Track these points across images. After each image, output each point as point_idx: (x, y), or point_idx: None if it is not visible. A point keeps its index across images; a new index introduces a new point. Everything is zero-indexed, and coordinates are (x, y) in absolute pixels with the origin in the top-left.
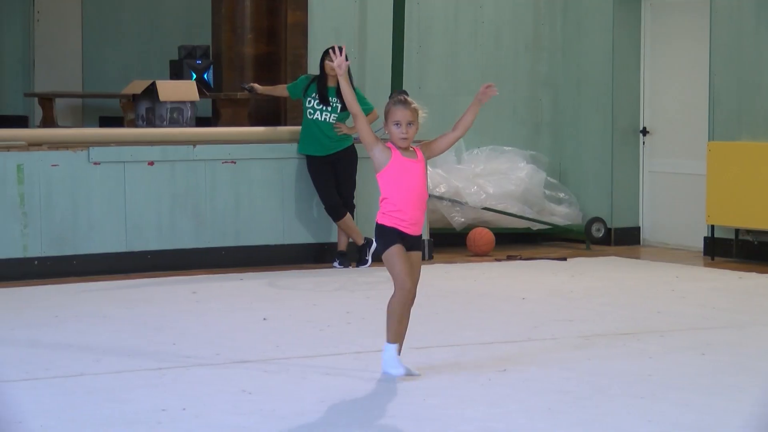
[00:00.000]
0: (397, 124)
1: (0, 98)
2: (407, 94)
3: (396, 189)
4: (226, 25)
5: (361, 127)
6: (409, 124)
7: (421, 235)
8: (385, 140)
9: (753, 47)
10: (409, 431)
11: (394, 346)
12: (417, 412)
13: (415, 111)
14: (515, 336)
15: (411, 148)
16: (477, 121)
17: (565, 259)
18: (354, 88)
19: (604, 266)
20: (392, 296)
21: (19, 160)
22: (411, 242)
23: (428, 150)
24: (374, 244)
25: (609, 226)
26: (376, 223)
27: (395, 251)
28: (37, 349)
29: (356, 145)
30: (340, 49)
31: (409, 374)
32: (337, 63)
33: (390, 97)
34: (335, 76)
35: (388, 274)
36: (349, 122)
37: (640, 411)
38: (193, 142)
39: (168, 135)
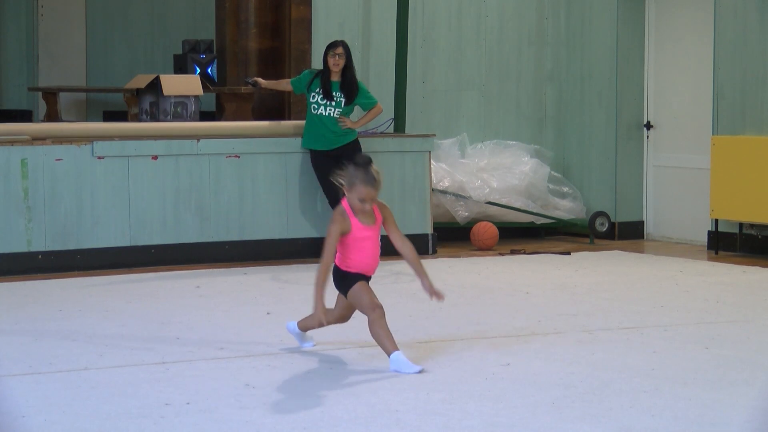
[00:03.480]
0: (362, 201)
1: (4, 93)
2: (372, 163)
3: (355, 254)
4: (230, 20)
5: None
6: (373, 200)
7: None
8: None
9: (757, 41)
10: (413, 426)
11: (398, 352)
12: (421, 407)
13: (380, 186)
14: (519, 330)
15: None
16: (481, 116)
17: (568, 253)
18: (358, 83)
19: (608, 260)
20: (371, 323)
21: (23, 154)
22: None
23: (385, 221)
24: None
25: (613, 220)
26: (338, 269)
27: (360, 287)
28: (40, 344)
29: (360, 140)
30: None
31: (423, 370)
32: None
33: (358, 167)
34: (338, 71)
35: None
36: (353, 116)
37: (643, 405)
38: (197, 137)
39: (172, 129)
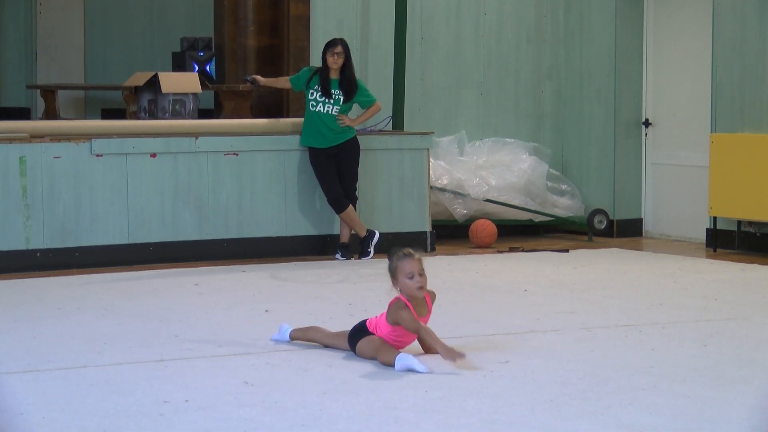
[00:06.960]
0: (411, 276)
1: (2, 90)
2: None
3: (404, 338)
4: (228, 17)
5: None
6: (420, 274)
7: None
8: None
9: (756, 39)
10: (411, 423)
11: (402, 353)
12: (419, 404)
13: (420, 260)
14: (517, 328)
15: (423, 299)
16: (480, 113)
17: (567, 251)
18: (357, 81)
19: (607, 258)
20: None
21: (21, 152)
22: None
23: (432, 299)
24: (377, 236)
25: (611, 217)
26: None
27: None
28: (39, 341)
29: (359, 138)
30: None
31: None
32: None
33: (391, 255)
34: (337, 69)
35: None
36: (351, 114)
37: (642, 403)
38: (196, 134)
39: (170, 127)
